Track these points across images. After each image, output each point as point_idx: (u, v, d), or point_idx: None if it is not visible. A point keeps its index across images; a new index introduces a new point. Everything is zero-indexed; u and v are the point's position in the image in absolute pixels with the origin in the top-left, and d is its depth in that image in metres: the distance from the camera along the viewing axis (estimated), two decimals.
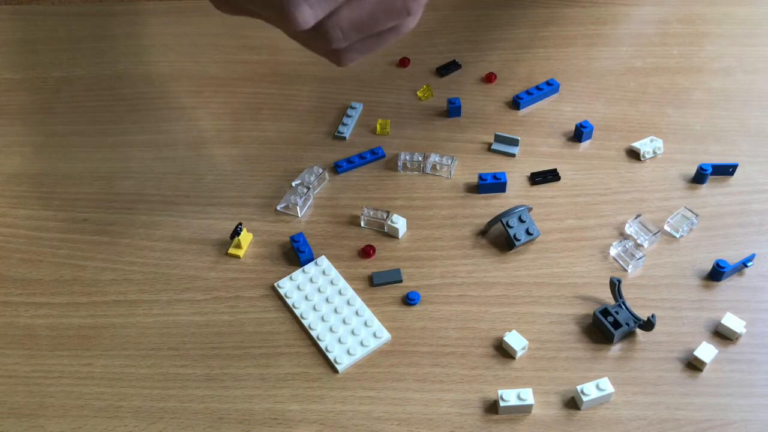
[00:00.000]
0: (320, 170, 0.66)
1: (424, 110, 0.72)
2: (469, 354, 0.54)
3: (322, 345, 0.55)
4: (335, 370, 0.54)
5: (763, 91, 0.72)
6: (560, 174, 0.65)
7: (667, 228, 0.61)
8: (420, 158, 0.66)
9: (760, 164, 0.65)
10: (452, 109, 0.71)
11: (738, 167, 0.64)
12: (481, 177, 0.64)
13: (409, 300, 0.57)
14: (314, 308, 0.57)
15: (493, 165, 0.67)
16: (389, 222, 0.61)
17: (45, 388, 0.54)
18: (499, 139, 0.68)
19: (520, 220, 0.60)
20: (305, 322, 0.56)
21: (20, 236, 0.64)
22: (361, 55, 0.47)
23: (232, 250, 0.61)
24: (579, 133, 0.68)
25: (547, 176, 0.65)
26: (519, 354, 0.54)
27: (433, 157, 0.66)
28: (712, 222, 0.61)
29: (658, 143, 0.66)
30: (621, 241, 0.59)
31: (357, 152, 0.68)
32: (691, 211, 0.60)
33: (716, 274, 0.57)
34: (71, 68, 0.79)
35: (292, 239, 0.61)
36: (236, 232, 0.60)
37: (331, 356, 0.54)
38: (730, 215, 0.62)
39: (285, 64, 0.78)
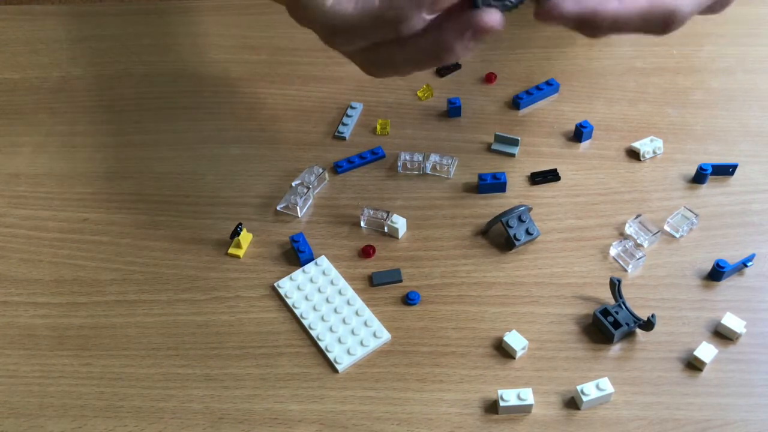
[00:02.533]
0: (320, 170, 0.66)
1: (424, 110, 0.72)
2: (469, 354, 0.55)
3: (322, 345, 0.55)
4: (335, 370, 0.54)
5: (763, 91, 0.72)
6: (560, 174, 0.65)
7: (667, 228, 0.61)
8: (420, 158, 0.66)
9: (760, 164, 0.65)
10: (452, 109, 0.71)
11: (738, 167, 0.64)
12: (481, 177, 0.64)
13: (409, 300, 0.57)
14: (314, 308, 0.57)
15: (493, 165, 0.67)
16: (389, 222, 0.61)
17: (45, 388, 0.54)
18: (499, 139, 0.68)
19: (520, 220, 0.60)
20: (305, 322, 0.56)
21: (20, 236, 0.64)
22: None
23: (232, 250, 0.61)
24: (579, 133, 0.68)
25: (547, 176, 0.65)
26: (519, 354, 0.54)
27: (433, 157, 0.66)
28: (712, 222, 0.61)
29: (658, 143, 0.66)
30: (621, 241, 0.59)
31: (357, 152, 0.68)
32: (691, 211, 0.60)
33: (716, 274, 0.57)
34: (71, 68, 0.79)
35: (292, 239, 0.61)
36: (236, 232, 0.60)
37: (331, 356, 0.54)
38: (730, 215, 0.62)
39: (285, 64, 0.78)
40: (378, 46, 0.43)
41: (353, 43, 0.43)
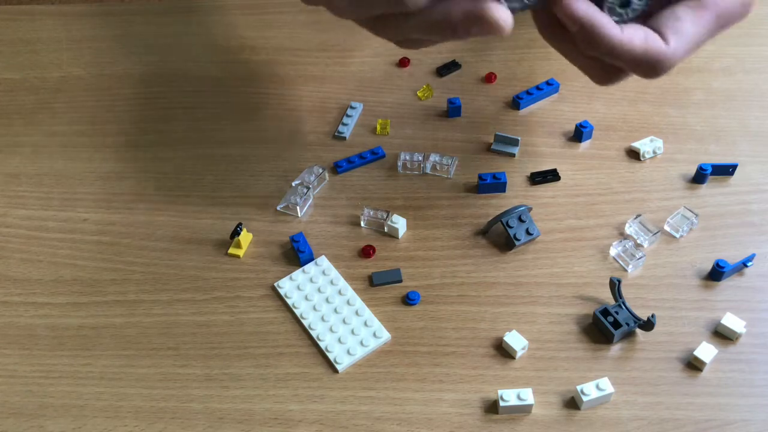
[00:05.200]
0: (320, 170, 0.66)
1: (424, 110, 0.72)
2: (469, 354, 0.55)
3: (322, 345, 0.55)
4: (335, 370, 0.54)
5: (763, 91, 0.72)
6: (560, 174, 0.65)
7: (667, 228, 0.61)
8: (420, 158, 0.66)
9: (760, 164, 0.65)
10: (452, 109, 0.71)
11: (738, 167, 0.64)
12: (481, 177, 0.64)
13: (409, 300, 0.57)
14: (314, 308, 0.57)
15: (493, 165, 0.67)
16: (389, 222, 0.61)
17: (45, 388, 0.54)
18: (499, 139, 0.68)
19: (520, 220, 0.60)
20: (305, 322, 0.56)
21: (20, 236, 0.64)
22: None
23: (232, 250, 0.61)
24: (579, 133, 0.68)
25: (547, 176, 0.65)
26: (519, 354, 0.54)
27: (433, 157, 0.66)
28: (712, 222, 0.61)
29: (658, 143, 0.66)
30: (621, 241, 0.59)
31: (357, 152, 0.68)
32: (691, 211, 0.60)
33: (716, 274, 0.57)
34: (71, 68, 0.79)
35: (292, 239, 0.61)
36: (236, 232, 0.60)
37: (331, 356, 0.54)
38: (730, 215, 0.62)
39: (285, 64, 0.78)
40: (387, 16, 0.44)
41: (361, 13, 0.44)
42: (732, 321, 0.54)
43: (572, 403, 0.52)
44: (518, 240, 0.60)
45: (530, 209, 0.61)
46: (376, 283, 0.59)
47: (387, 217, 0.62)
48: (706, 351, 0.53)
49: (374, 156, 0.68)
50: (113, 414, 0.52)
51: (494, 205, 0.63)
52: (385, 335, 0.55)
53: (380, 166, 0.67)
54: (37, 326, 0.58)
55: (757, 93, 0.72)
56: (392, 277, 0.59)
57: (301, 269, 0.60)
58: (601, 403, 0.51)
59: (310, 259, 0.60)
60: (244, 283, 0.59)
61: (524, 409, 0.51)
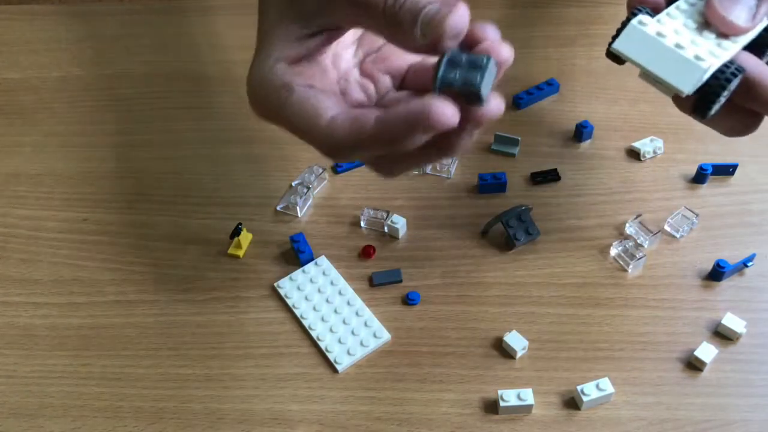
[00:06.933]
0: (320, 170, 0.66)
1: None
2: (469, 354, 0.54)
3: (322, 345, 0.55)
4: (335, 371, 0.54)
5: None
6: (560, 174, 0.65)
7: (667, 228, 0.61)
8: None
9: (760, 164, 0.65)
10: None
11: (738, 167, 0.64)
12: (481, 177, 0.64)
13: (409, 300, 0.57)
14: (314, 308, 0.57)
15: (493, 165, 0.66)
16: (389, 222, 0.61)
17: (45, 388, 0.54)
18: (499, 139, 0.68)
19: (520, 220, 0.60)
20: (305, 323, 0.56)
21: (20, 236, 0.64)
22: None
23: (232, 250, 0.61)
24: (579, 133, 0.68)
25: (547, 176, 0.65)
26: (519, 354, 0.54)
27: None
28: (712, 222, 0.61)
29: (658, 143, 0.66)
30: (621, 241, 0.59)
31: None
32: (691, 211, 0.60)
33: (716, 274, 0.57)
34: (71, 68, 0.79)
35: (292, 239, 0.61)
36: (236, 232, 0.60)
37: (331, 356, 0.54)
38: (730, 215, 0.62)
39: None
40: (381, 158, 0.44)
41: (353, 160, 0.44)
42: (732, 321, 0.54)
43: (572, 403, 0.52)
44: (518, 240, 0.60)
45: (530, 209, 0.61)
46: (376, 283, 0.59)
47: (387, 217, 0.62)
48: (707, 351, 0.53)
49: None
50: (113, 414, 0.52)
51: (494, 205, 0.63)
52: (385, 335, 0.55)
53: None
54: (37, 326, 0.58)
55: None
56: (392, 277, 0.59)
57: (301, 269, 0.60)
58: (601, 403, 0.51)
59: (310, 259, 0.60)
60: (244, 283, 0.59)
61: (524, 409, 0.51)
